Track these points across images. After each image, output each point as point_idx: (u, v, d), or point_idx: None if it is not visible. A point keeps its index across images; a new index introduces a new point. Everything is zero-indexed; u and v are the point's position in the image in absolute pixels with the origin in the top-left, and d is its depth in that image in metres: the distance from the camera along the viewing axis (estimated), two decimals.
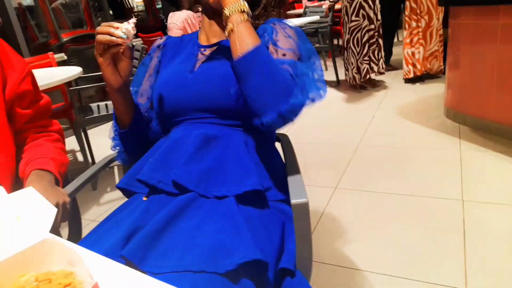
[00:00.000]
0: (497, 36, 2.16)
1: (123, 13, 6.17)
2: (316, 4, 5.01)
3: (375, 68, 3.51)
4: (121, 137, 0.95)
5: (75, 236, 0.96)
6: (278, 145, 1.04)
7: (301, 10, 4.94)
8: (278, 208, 0.82)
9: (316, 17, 3.90)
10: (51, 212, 0.45)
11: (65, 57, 3.66)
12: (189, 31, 3.10)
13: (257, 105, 0.75)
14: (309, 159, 2.41)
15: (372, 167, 2.20)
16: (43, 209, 0.45)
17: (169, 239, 0.67)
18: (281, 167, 0.93)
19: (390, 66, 4.14)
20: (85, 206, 2.12)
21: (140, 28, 5.57)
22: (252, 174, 0.80)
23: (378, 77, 3.75)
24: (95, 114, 2.40)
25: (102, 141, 2.19)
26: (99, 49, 0.79)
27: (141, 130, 0.96)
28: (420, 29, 3.39)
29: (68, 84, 2.35)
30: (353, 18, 3.38)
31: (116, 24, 0.78)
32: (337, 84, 3.97)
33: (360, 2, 3.31)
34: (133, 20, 0.78)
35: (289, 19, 1.05)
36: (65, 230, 0.95)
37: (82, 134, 2.42)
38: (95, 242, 0.73)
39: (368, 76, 3.55)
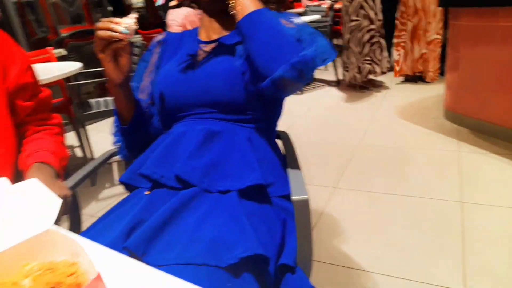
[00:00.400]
0: (496, 38, 2.17)
1: (122, 9, 6.15)
2: (316, 3, 5.01)
3: (377, 69, 3.51)
4: (122, 132, 0.95)
5: (74, 230, 0.96)
6: (279, 143, 1.04)
7: (300, 9, 4.94)
8: (280, 204, 0.82)
9: (317, 16, 3.90)
10: (56, 203, 0.45)
11: (64, 53, 3.65)
12: (189, 28, 3.09)
13: (266, 59, 0.74)
14: (309, 158, 2.41)
15: (371, 167, 2.21)
16: (48, 200, 0.45)
17: (172, 232, 0.67)
18: (282, 164, 0.93)
19: (390, 67, 4.15)
20: (84, 201, 2.12)
21: (140, 25, 5.55)
22: (254, 169, 0.80)
23: (378, 77, 3.75)
24: (94, 110, 2.40)
25: (101, 137, 2.19)
26: (100, 45, 0.78)
27: (142, 126, 0.96)
28: (404, 32, 3.42)
29: (67, 79, 2.34)
30: (353, 17, 3.38)
31: (116, 19, 0.77)
32: (337, 83, 3.98)
33: (360, 2, 3.31)
34: (134, 15, 0.78)
35: None
36: (64, 225, 0.95)
37: (81, 129, 2.41)
38: (97, 234, 0.73)
39: (369, 76, 3.56)
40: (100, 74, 2.79)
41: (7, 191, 0.49)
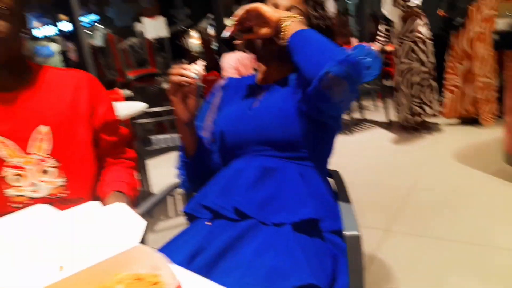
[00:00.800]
0: None
1: (182, 54, 6.64)
2: (365, 45, 5.10)
3: (428, 110, 3.46)
4: (186, 166, 1.04)
5: None
6: (330, 181, 1.08)
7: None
8: (331, 240, 0.86)
9: None
10: (142, 224, 0.52)
11: (130, 94, 4.00)
12: (242, 71, 3.28)
13: (313, 63, 0.80)
14: (359, 199, 2.36)
15: (424, 211, 2.14)
16: (134, 221, 0.53)
17: (230, 260, 0.73)
18: (334, 200, 0.97)
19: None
20: None
21: None
22: (307, 204, 0.85)
23: (431, 119, 3.68)
24: (154, 146, 2.58)
25: (159, 171, 2.33)
26: (172, 89, 0.89)
27: (204, 161, 1.05)
28: (455, 75, 3.37)
29: (132, 117, 2.55)
30: (404, 60, 3.40)
31: (187, 66, 0.88)
32: (388, 125, 3.94)
33: (411, 45, 3.33)
34: (202, 62, 0.89)
35: None
36: None
37: (142, 164, 2.59)
38: None
39: (421, 118, 3.50)
40: (160, 113, 3.02)
41: (100, 212, 0.58)
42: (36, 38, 6.51)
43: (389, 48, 3.88)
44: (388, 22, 3.57)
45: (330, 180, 1.10)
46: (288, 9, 0.97)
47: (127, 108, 2.34)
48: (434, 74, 3.42)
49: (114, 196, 0.90)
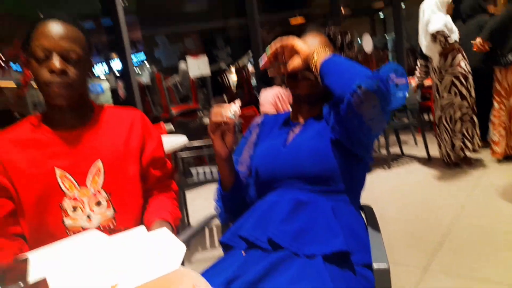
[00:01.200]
0: None
1: (222, 90, 6.92)
2: (392, 63, 5.08)
3: (470, 146, 3.36)
4: (223, 198, 1.11)
5: None
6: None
7: None
8: (362, 273, 0.88)
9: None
10: (182, 249, 0.59)
11: (172, 128, 4.21)
12: (280, 106, 3.38)
13: (344, 82, 0.86)
14: (396, 236, 2.33)
15: (466, 250, 2.05)
16: (175, 245, 0.60)
17: None
18: (365, 234, 0.99)
19: (487, 144, 3.91)
20: None
21: None
22: (338, 236, 0.88)
23: (475, 155, 3.55)
24: (194, 178, 2.69)
25: (197, 203, 2.41)
26: (212, 127, 0.98)
27: (240, 194, 1.12)
28: (502, 111, 3.26)
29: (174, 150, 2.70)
30: (445, 95, 3.36)
31: (225, 105, 0.97)
32: (428, 160, 3.85)
33: (451, 80, 3.30)
34: (238, 102, 0.97)
35: None
36: None
37: (182, 196, 2.70)
38: None
39: (463, 154, 3.40)
40: (200, 147, 3.16)
41: (146, 236, 0.65)
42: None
43: (427, 82, 3.86)
44: (425, 57, 3.57)
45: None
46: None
47: (169, 142, 2.49)
48: (475, 109, 3.35)
49: (158, 224, 0.98)
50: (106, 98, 6.77)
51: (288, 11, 6.48)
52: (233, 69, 7.76)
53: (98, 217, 0.97)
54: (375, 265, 0.78)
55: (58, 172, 0.95)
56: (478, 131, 3.39)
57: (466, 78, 3.29)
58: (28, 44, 0.91)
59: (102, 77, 7.70)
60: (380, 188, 3.25)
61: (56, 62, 0.88)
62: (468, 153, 3.44)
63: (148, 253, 0.61)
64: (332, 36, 1.10)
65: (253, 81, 6.93)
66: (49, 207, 0.94)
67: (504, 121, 3.30)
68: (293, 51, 0.98)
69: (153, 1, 6.44)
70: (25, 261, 0.60)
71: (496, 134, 3.35)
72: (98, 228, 0.97)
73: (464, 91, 3.29)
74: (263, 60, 1.01)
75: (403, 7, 6.91)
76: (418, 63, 3.75)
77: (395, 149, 4.37)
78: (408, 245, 2.20)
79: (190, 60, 4.68)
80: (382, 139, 4.25)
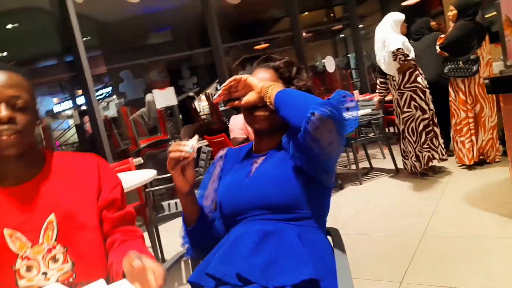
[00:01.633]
0: None
1: (190, 118, 6.92)
2: (367, 97, 5.26)
3: (436, 156, 3.50)
4: (188, 234, 1.10)
5: None
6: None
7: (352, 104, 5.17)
8: None
9: (368, 110, 4.09)
10: None
11: (142, 161, 4.15)
12: (250, 131, 3.41)
13: (298, 111, 0.91)
14: (371, 251, 2.36)
15: (439, 260, 2.10)
16: None
17: None
18: (332, 259, 1.00)
19: (451, 152, 4.08)
20: None
21: (206, 131, 6.18)
22: (307, 264, 0.89)
23: (440, 164, 3.69)
24: (166, 212, 2.64)
25: (171, 237, 2.37)
26: (171, 164, 0.98)
27: (206, 228, 1.11)
28: (470, 119, 3.43)
29: (143, 185, 2.65)
30: (405, 109, 3.50)
31: (183, 142, 0.98)
32: (396, 172, 3.96)
33: (411, 95, 3.46)
34: (196, 137, 0.99)
35: None
36: None
37: (154, 230, 2.64)
38: None
39: (430, 164, 3.53)
40: (171, 179, 3.12)
41: None
42: (55, 114, 6.90)
43: (389, 97, 4.02)
44: (384, 74, 3.72)
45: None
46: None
47: (138, 177, 2.45)
48: (435, 120, 3.51)
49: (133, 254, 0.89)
50: (72, 134, 6.62)
51: (251, 38, 6.66)
52: (203, 96, 7.81)
53: (56, 273, 0.91)
54: None
55: (7, 232, 0.89)
56: (441, 141, 3.53)
57: (424, 93, 3.45)
58: None
59: (68, 113, 7.54)
60: (353, 204, 3.30)
61: (3, 110, 0.85)
62: (434, 163, 3.57)
63: None
64: (278, 69, 1.13)
65: (222, 108, 6.97)
66: (0, 271, 0.88)
67: (472, 128, 3.45)
68: (247, 87, 1.02)
69: (116, 35, 6.44)
70: None
71: (466, 141, 3.49)
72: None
73: (423, 105, 3.45)
74: (215, 97, 1.05)
75: (361, 26, 7.24)
76: (378, 81, 3.91)
77: (364, 164, 4.47)
78: (384, 259, 2.22)
79: (156, 92, 4.68)
80: (351, 155, 4.35)
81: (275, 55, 1.17)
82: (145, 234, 2.69)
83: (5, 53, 5.54)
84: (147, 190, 2.61)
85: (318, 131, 0.88)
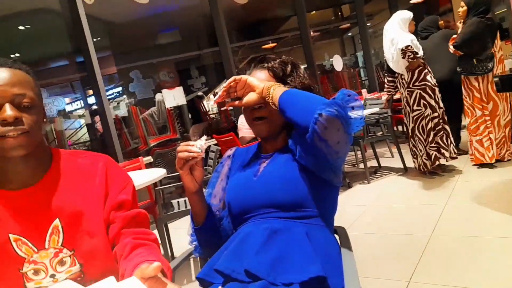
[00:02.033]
0: None
1: (199, 117, 6.96)
2: (376, 95, 5.23)
3: (446, 154, 3.47)
4: (196, 232, 1.12)
5: None
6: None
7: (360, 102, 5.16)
8: None
9: (376, 109, 4.07)
10: None
11: (152, 160, 4.19)
12: None
13: (305, 113, 0.92)
14: (378, 250, 2.36)
15: (448, 259, 2.09)
16: None
17: None
18: (339, 258, 1.02)
19: (461, 151, 4.04)
20: None
21: (214, 130, 6.21)
22: (315, 262, 0.90)
23: (449, 162, 3.66)
24: (176, 210, 2.67)
25: (181, 234, 2.39)
26: (179, 163, 0.99)
27: (213, 227, 1.13)
28: (486, 117, 3.39)
29: (153, 183, 2.69)
30: (415, 108, 3.49)
31: (191, 142, 1.00)
32: (404, 171, 3.94)
33: (420, 93, 3.44)
34: (204, 137, 1.00)
35: None
36: None
37: (163, 228, 2.67)
38: None
39: (438, 162, 3.50)
40: (180, 177, 3.15)
41: (115, 287, 0.66)
42: (67, 113, 7.01)
43: (397, 95, 4.00)
44: (392, 72, 3.71)
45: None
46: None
47: (148, 175, 2.48)
48: (445, 118, 3.48)
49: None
50: (83, 134, 6.72)
51: (259, 38, 6.67)
52: (211, 96, 7.83)
53: (64, 275, 0.90)
54: None
55: (12, 237, 0.87)
56: (452, 140, 3.51)
57: (433, 91, 3.43)
58: None
59: (80, 112, 7.65)
60: (360, 203, 3.29)
61: (8, 110, 0.81)
62: (444, 161, 3.55)
63: None
64: (272, 68, 1.13)
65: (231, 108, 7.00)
66: (7, 275, 0.87)
67: (490, 126, 3.42)
68: (247, 87, 1.03)
69: (126, 36, 6.51)
70: None
71: (484, 140, 3.44)
72: None
73: (433, 103, 3.42)
74: (215, 97, 1.05)
75: (369, 24, 7.20)
76: (386, 79, 3.90)
77: (372, 163, 4.46)
78: (392, 258, 2.22)
79: (165, 92, 4.73)
80: (359, 154, 4.34)
81: (271, 55, 1.16)
82: (155, 232, 2.74)
83: (17, 54, 5.64)
84: (156, 188, 2.65)
85: (326, 132, 0.89)
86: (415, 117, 3.51)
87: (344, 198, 3.49)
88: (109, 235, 0.95)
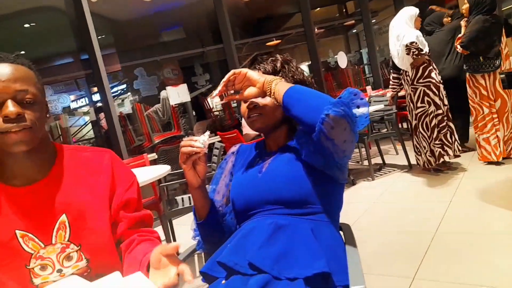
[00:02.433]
0: None
1: (203, 114, 6.96)
2: (380, 92, 5.21)
3: (450, 151, 3.45)
4: (199, 227, 1.13)
5: None
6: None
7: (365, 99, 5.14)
8: None
9: (380, 106, 4.05)
10: None
11: (156, 157, 4.21)
12: None
13: (311, 112, 0.91)
14: (383, 247, 2.36)
15: (452, 256, 2.09)
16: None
17: None
18: (344, 254, 1.02)
19: (467, 148, 4.02)
20: None
21: (218, 127, 6.22)
22: (320, 258, 0.90)
23: (454, 159, 3.65)
24: (180, 206, 2.68)
25: (185, 231, 2.40)
26: (182, 158, 0.99)
27: (216, 222, 1.13)
28: (494, 115, 3.36)
29: (158, 180, 2.70)
30: (419, 105, 3.47)
31: (195, 137, 1.00)
32: (409, 168, 3.93)
33: (424, 90, 3.42)
34: (207, 133, 1.00)
35: None
36: None
37: (168, 224, 2.69)
38: None
39: (442, 159, 3.49)
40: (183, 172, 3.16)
41: (121, 282, 0.67)
42: (72, 111, 7.04)
43: (402, 92, 3.98)
44: (397, 69, 3.69)
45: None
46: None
47: (152, 172, 2.49)
48: (450, 116, 3.46)
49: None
50: (88, 131, 6.75)
51: (263, 35, 6.66)
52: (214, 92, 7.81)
53: (71, 270, 0.91)
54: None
55: (19, 233, 0.88)
56: (456, 137, 3.49)
57: (438, 88, 3.41)
58: None
59: (84, 109, 7.68)
60: (365, 200, 3.29)
61: (10, 106, 0.80)
62: (448, 159, 3.53)
63: None
64: (263, 67, 1.13)
65: (235, 104, 7.00)
66: (14, 271, 0.88)
67: (497, 123, 3.39)
68: (246, 80, 1.02)
69: (130, 33, 6.52)
70: None
71: (491, 138, 3.42)
72: None
73: (437, 100, 3.40)
74: (215, 92, 1.05)
75: (374, 21, 7.16)
76: (391, 76, 3.88)
77: (377, 160, 4.44)
78: (396, 255, 2.22)
79: (170, 89, 4.74)
80: (364, 151, 4.33)
81: (263, 56, 1.16)
82: (159, 228, 2.76)
83: (22, 52, 5.67)
84: (161, 185, 2.66)
85: (333, 131, 0.89)
86: (419, 114, 3.50)
87: (349, 195, 3.49)
88: (116, 233, 0.97)
